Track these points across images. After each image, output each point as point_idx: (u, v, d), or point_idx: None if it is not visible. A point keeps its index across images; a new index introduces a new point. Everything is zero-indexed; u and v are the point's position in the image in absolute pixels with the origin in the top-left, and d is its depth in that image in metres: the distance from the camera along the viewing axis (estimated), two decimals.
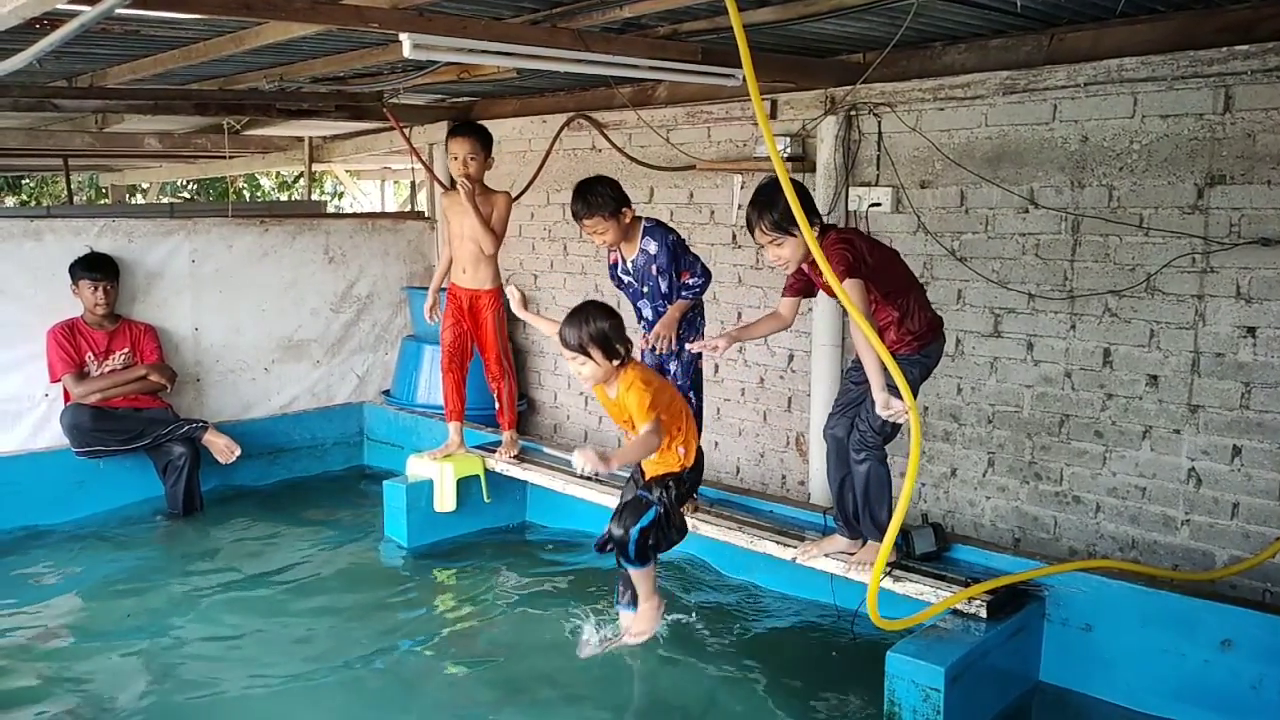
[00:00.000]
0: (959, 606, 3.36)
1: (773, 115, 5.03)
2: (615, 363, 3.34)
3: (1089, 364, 4.27)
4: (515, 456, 4.99)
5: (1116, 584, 3.46)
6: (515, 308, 4.01)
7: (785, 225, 3.32)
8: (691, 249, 4.22)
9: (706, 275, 4.12)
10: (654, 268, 4.08)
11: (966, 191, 4.56)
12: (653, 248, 4.07)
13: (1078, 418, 4.32)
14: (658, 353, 4.12)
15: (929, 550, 3.66)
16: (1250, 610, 3.25)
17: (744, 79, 4.26)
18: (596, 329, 3.29)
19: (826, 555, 3.73)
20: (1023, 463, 4.51)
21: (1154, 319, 4.07)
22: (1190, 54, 3.81)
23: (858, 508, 3.61)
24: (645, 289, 4.15)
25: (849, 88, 4.73)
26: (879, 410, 3.21)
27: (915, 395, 3.18)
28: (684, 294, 4.11)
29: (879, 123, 4.77)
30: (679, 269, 4.10)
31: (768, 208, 3.35)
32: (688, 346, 4.01)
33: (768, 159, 5.19)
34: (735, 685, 3.49)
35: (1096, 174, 4.17)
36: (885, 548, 3.09)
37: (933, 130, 4.60)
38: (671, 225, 4.21)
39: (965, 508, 4.71)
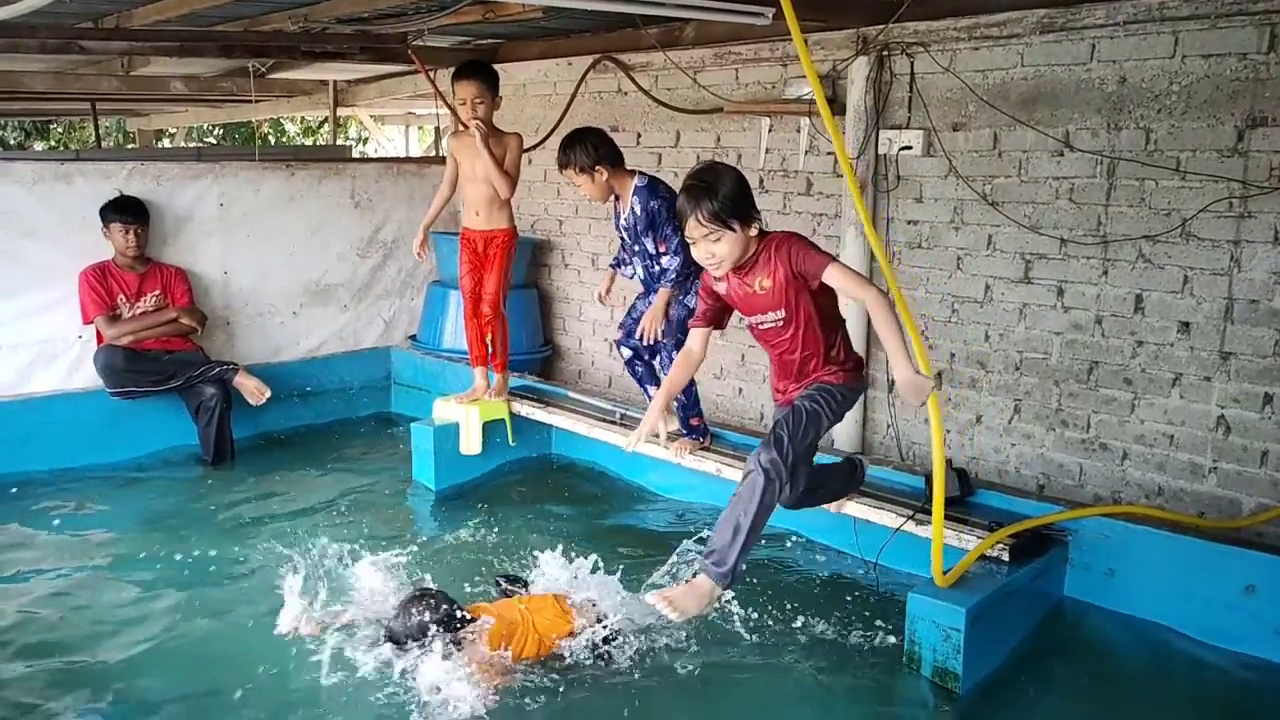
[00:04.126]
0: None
1: None
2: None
3: (1120, 310, 4.21)
4: (536, 400, 5.05)
5: (1141, 529, 3.47)
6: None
7: (725, 217, 2.91)
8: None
9: (683, 253, 3.86)
10: (639, 228, 4.06)
11: (1000, 134, 4.47)
12: (638, 209, 4.02)
13: (1107, 365, 4.28)
14: (645, 342, 4.13)
15: (953, 495, 3.66)
16: (1275, 556, 3.25)
17: (774, 17, 4.23)
18: (416, 624, 3.06)
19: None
20: (1049, 410, 4.48)
21: (1188, 265, 4.01)
22: None
23: (726, 521, 2.95)
24: (637, 247, 4.14)
25: (881, 27, 4.63)
26: (912, 395, 2.80)
27: (831, 426, 3.11)
28: (663, 280, 4.04)
29: (911, 63, 4.68)
30: (656, 237, 4.03)
31: (707, 195, 2.90)
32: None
33: (796, 100, 5.12)
34: (755, 629, 3.52)
35: (1134, 116, 4.07)
36: (938, 511, 2.98)
37: (966, 71, 4.51)
38: (665, 186, 4.08)
39: (990, 454, 4.70)
